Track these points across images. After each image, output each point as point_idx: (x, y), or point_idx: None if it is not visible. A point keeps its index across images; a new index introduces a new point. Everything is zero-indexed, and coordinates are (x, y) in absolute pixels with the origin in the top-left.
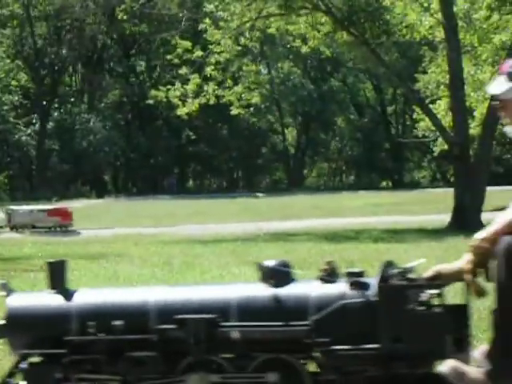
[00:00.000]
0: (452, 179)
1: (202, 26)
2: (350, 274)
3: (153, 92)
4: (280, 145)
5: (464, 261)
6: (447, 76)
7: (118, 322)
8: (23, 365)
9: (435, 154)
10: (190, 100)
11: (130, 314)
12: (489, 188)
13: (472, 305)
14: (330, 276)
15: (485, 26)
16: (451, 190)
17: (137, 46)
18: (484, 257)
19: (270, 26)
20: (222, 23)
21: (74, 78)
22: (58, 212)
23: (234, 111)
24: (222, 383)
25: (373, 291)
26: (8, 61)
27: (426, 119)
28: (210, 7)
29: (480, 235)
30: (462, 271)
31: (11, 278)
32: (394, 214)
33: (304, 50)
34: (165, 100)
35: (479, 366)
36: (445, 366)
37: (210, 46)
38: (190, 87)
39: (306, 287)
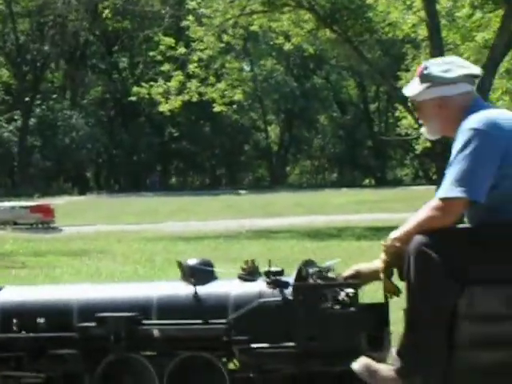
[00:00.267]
0: (434, 177)
1: (184, 23)
2: (270, 273)
3: (135, 88)
4: (263, 142)
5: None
6: None
7: (40, 320)
8: None
9: (418, 152)
10: (172, 97)
11: (52, 312)
12: None
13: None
14: (250, 275)
15: (467, 25)
16: (433, 188)
17: (119, 43)
18: (396, 256)
19: (253, 24)
20: (205, 20)
21: (56, 74)
22: (40, 209)
23: (217, 108)
24: None
25: (290, 290)
26: None
27: (409, 117)
28: (192, 4)
29: (393, 234)
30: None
31: None
32: (376, 212)
33: (287, 47)
34: (147, 97)
35: (394, 364)
36: (357, 364)
37: (193, 43)
38: (173, 84)
39: (226, 286)
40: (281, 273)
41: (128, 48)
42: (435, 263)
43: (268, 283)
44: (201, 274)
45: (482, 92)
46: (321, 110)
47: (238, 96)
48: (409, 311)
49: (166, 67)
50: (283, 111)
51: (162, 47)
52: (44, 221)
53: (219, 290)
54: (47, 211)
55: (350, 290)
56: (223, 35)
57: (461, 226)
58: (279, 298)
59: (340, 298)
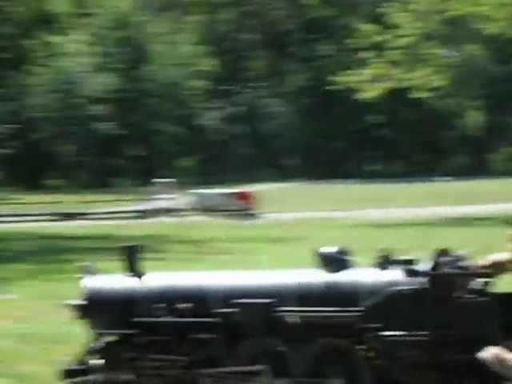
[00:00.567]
0: None
1: (385, 10)
2: (404, 262)
3: (336, 78)
4: (464, 128)
5: None
6: None
7: (184, 305)
8: (98, 344)
9: None
10: (373, 85)
11: (195, 298)
12: None
13: None
14: (384, 263)
15: None
16: None
17: (320, 31)
18: None
19: (455, 9)
20: (407, 6)
21: (258, 62)
22: (243, 196)
23: (418, 95)
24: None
25: (423, 279)
26: (195, 46)
27: None
28: None
29: None
30: None
31: (200, 261)
32: None
33: (489, 31)
34: (348, 85)
35: None
36: (486, 353)
37: (394, 30)
38: (373, 71)
39: (361, 274)
40: (414, 262)
41: (328, 36)
42: None
43: (402, 272)
44: (337, 262)
45: None
46: None
47: (439, 82)
48: None
49: (366, 54)
50: (485, 97)
51: (361, 34)
52: (246, 208)
53: (355, 278)
54: (249, 198)
55: (485, 280)
56: (424, 21)
57: None
58: (412, 287)
59: (474, 287)
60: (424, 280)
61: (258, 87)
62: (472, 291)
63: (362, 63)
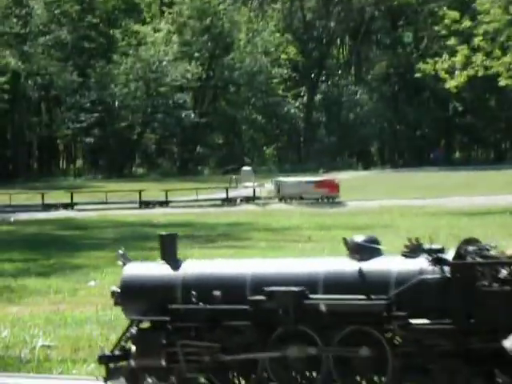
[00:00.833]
0: None
1: None
2: (431, 251)
3: (421, 65)
4: None
5: None
6: None
7: (217, 293)
8: (133, 330)
9: None
10: (457, 72)
11: (227, 285)
12: None
13: None
14: (412, 252)
15: None
16: None
17: (404, 18)
18: None
19: None
20: None
21: (341, 50)
22: (326, 184)
23: (503, 82)
24: (319, 356)
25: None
26: (278, 35)
27: None
28: None
29: None
30: None
31: (280, 248)
32: None
33: None
34: (433, 73)
35: None
36: (509, 342)
37: (479, 16)
38: (458, 59)
39: (389, 263)
40: (442, 250)
41: (413, 22)
42: None
43: (429, 261)
44: (366, 250)
45: None
46: None
47: None
48: None
49: (451, 41)
50: None
51: (446, 21)
52: (329, 195)
53: (382, 266)
54: (332, 186)
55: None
56: (510, 7)
57: None
58: (438, 276)
59: (501, 276)
60: (448, 269)
61: (342, 75)
62: (497, 280)
63: (448, 50)
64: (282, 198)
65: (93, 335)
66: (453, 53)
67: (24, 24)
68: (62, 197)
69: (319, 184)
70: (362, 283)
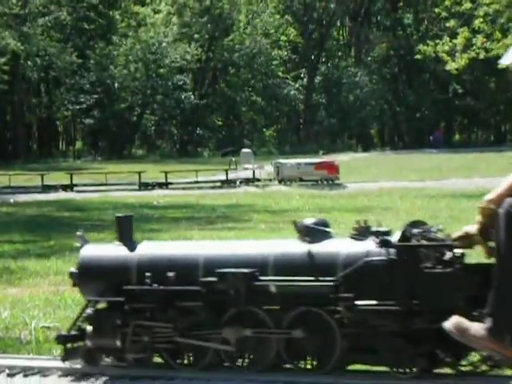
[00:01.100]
0: None
1: None
2: (378, 233)
3: (421, 47)
4: None
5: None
6: None
7: (170, 274)
8: (89, 311)
9: None
10: (458, 54)
11: (180, 267)
12: None
13: None
14: (360, 235)
15: None
16: None
17: None
18: (491, 218)
19: None
20: None
21: (341, 32)
22: (325, 165)
23: (502, 65)
24: (255, 337)
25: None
26: (277, 16)
27: None
28: None
29: (487, 197)
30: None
31: (279, 230)
32: None
33: None
34: (433, 55)
35: (485, 323)
36: (448, 323)
37: None
38: (459, 41)
39: (337, 245)
40: (389, 233)
41: (413, 4)
42: None
43: (376, 243)
44: (316, 233)
45: None
46: None
47: None
48: (497, 271)
49: (451, 23)
50: None
51: (447, 2)
52: (328, 177)
53: (330, 249)
54: (332, 168)
55: (458, 251)
56: None
57: None
58: (384, 258)
59: (445, 258)
60: (393, 251)
61: (341, 56)
62: (441, 262)
63: (447, 32)
64: (281, 180)
65: None
66: (453, 35)
67: (23, 5)
68: (61, 178)
69: (319, 166)
70: (311, 265)
